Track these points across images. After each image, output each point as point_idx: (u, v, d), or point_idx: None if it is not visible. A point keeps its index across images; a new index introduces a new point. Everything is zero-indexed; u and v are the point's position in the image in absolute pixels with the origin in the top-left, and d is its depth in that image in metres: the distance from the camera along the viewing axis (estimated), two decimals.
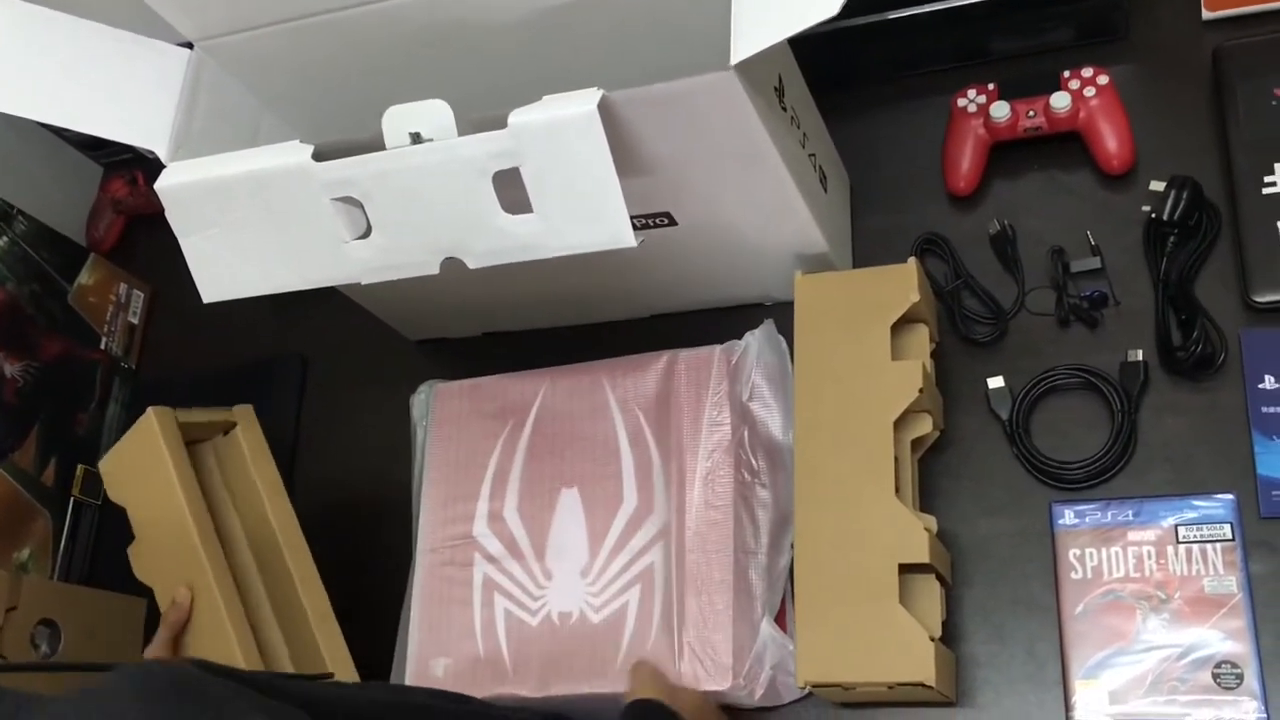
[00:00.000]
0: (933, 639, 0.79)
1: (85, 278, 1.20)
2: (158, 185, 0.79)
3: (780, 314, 1.00)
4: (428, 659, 0.96)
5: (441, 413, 1.04)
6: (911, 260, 0.89)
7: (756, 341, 0.97)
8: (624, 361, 1.00)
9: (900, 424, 0.86)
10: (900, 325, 0.88)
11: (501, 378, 1.04)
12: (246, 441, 1.02)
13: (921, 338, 0.91)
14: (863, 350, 0.87)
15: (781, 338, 0.98)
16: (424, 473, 1.03)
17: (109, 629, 1.08)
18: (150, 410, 0.96)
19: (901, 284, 0.88)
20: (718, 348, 0.97)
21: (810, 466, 0.86)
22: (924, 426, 0.89)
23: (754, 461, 0.93)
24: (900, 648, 0.79)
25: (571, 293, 1.02)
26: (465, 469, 1.01)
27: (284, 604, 0.97)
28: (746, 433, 0.94)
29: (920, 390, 0.85)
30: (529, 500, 0.98)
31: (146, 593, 1.11)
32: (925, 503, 0.92)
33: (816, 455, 0.86)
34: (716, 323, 1.02)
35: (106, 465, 1.01)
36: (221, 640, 0.91)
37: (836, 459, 0.85)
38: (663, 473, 0.95)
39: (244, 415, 1.03)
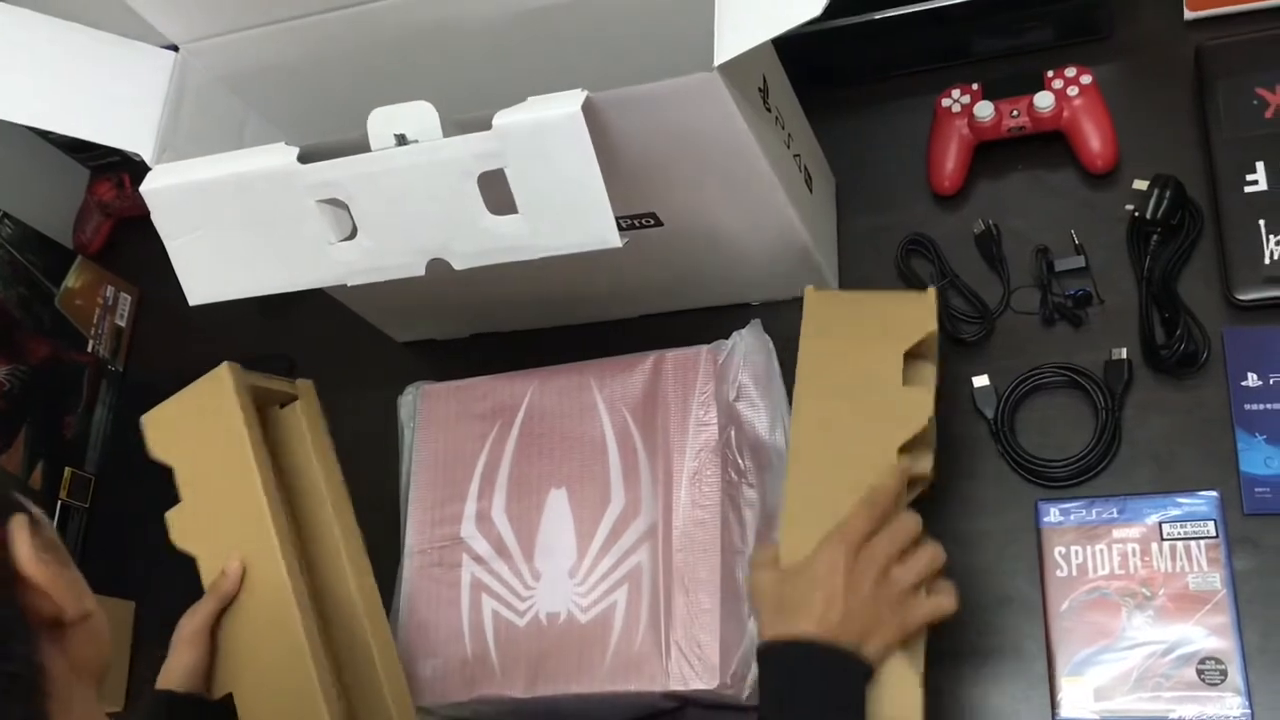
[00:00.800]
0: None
1: (72, 281, 1.20)
2: (143, 188, 0.79)
3: (766, 314, 1.00)
4: (416, 660, 0.96)
5: (429, 413, 1.05)
6: (930, 290, 0.85)
7: (743, 341, 0.97)
8: (611, 362, 1.00)
9: (902, 454, 0.80)
10: (907, 356, 0.83)
11: (489, 378, 1.04)
12: (306, 418, 0.96)
13: (928, 374, 0.85)
14: (874, 371, 0.82)
15: (768, 337, 0.98)
16: (411, 474, 1.03)
17: None
18: (224, 364, 0.92)
19: (920, 311, 0.84)
20: (704, 347, 0.98)
21: (805, 483, 0.80)
22: (924, 464, 0.83)
23: (740, 461, 0.94)
24: (888, 690, 0.74)
25: (558, 294, 1.02)
26: (453, 470, 1.01)
27: (330, 589, 0.92)
28: (733, 432, 0.94)
29: (930, 419, 0.81)
30: (517, 501, 0.98)
31: (134, 596, 1.12)
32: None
33: (813, 472, 0.80)
34: (703, 323, 1.02)
35: (155, 417, 0.94)
36: (281, 618, 0.84)
37: (834, 478, 0.78)
38: (650, 472, 0.95)
39: (306, 390, 0.98)
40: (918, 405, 0.81)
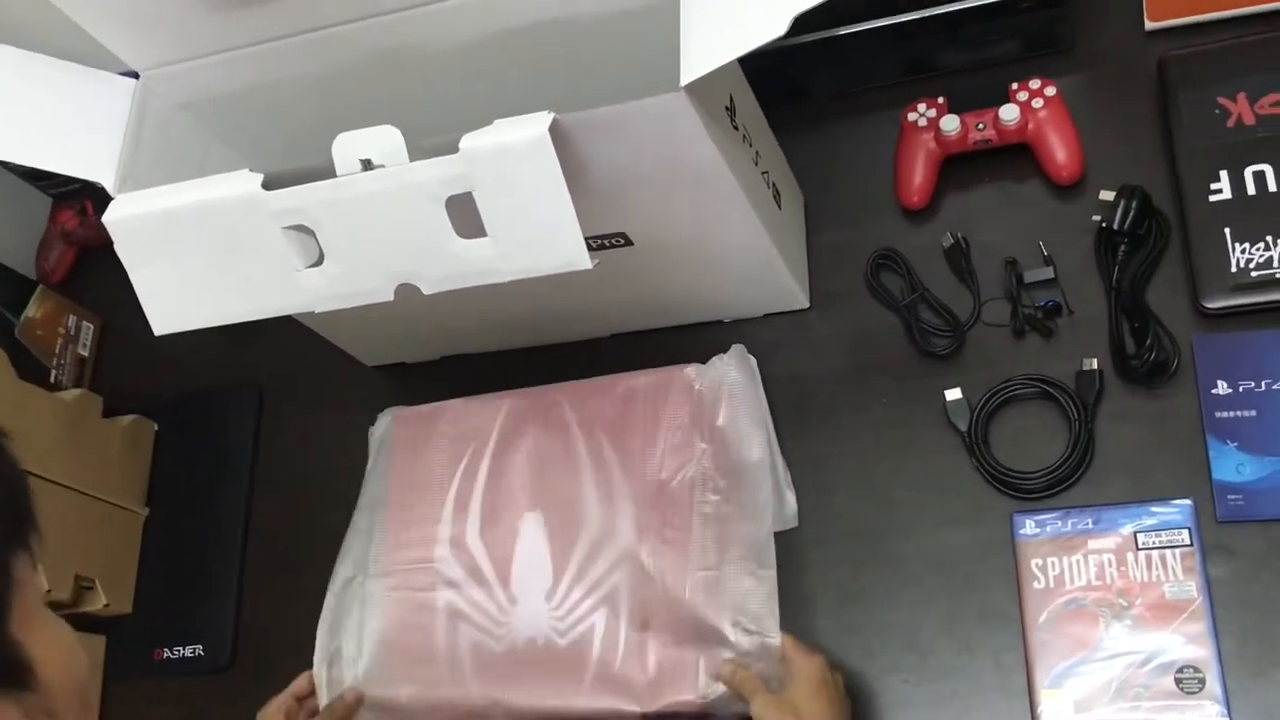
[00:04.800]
0: None
1: (33, 310, 1.18)
2: (105, 218, 0.77)
3: (738, 332, 1.00)
4: (394, 684, 0.95)
5: (401, 438, 1.04)
6: None
7: (726, 364, 0.96)
8: (584, 384, 1.00)
9: None
10: None
11: (461, 401, 1.03)
12: None
13: None
14: None
15: (752, 359, 0.97)
16: (384, 498, 1.02)
17: None
18: None
19: None
20: (676, 369, 0.97)
21: None
22: None
23: (719, 482, 0.93)
24: None
25: (530, 314, 1.01)
26: (426, 494, 1.00)
27: None
28: (713, 454, 0.94)
29: None
30: (491, 525, 0.97)
31: (105, 630, 1.10)
32: (887, 515, 0.92)
33: None
34: (674, 341, 1.02)
35: None
36: None
37: None
38: (626, 494, 0.94)
39: None
40: None
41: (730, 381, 0.96)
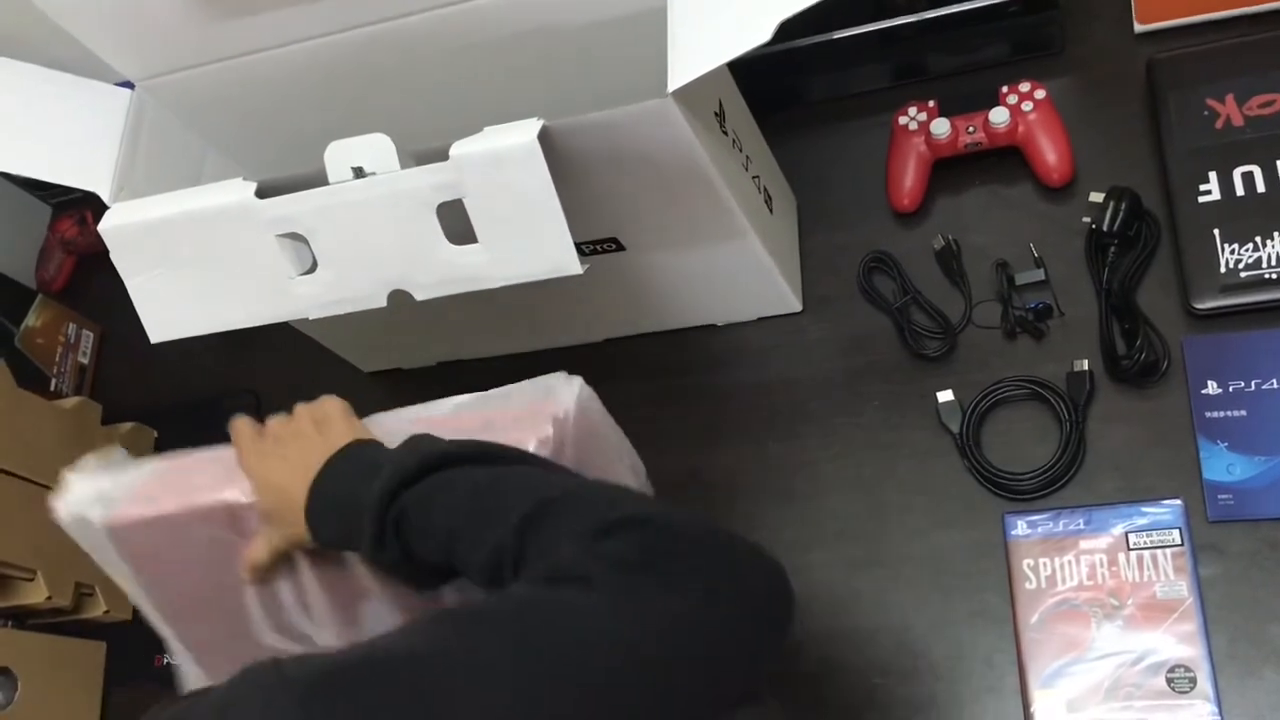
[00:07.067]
0: None
1: (33, 319, 1.19)
2: (101, 227, 0.78)
3: (732, 335, 1.01)
4: None
5: None
6: None
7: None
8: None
9: None
10: None
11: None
12: None
13: None
14: None
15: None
16: None
17: (67, 675, 1.07)
18: None
19: None
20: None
21: None
22: None
23: None
24: None
25: (523, 319, 1.02)
26: None
27: None
28: None
29: None
30: None
31: (106, 636, 1.10)
32: (879, 517, 0.92)
33: None
34: (669, 345, 1.02)
35: None
36: None
37: None
38: None
39: None
40: None
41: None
